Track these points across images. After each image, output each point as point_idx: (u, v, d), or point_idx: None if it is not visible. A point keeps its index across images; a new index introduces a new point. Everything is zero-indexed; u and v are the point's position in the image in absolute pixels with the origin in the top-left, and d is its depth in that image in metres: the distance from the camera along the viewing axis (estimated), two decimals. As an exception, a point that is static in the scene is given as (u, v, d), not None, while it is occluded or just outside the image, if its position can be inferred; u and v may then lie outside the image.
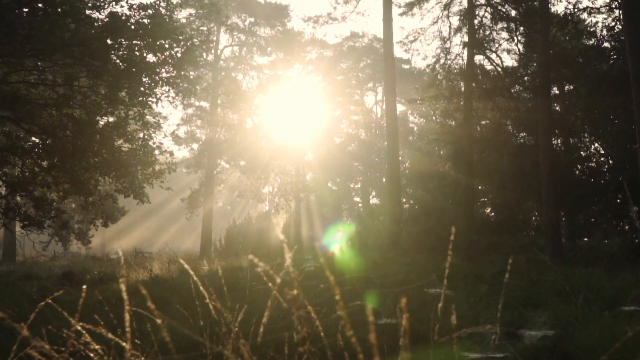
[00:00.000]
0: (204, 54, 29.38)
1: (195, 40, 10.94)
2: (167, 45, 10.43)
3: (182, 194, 32.60)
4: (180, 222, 42.22)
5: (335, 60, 35.08)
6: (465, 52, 19.98)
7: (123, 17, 10.02)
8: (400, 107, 37.74)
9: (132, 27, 9.97)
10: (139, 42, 10.22)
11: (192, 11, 21.82)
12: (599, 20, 22.75)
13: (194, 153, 33.52)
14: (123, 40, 10.06)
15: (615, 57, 19.27)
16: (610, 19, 19.37)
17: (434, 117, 24.76)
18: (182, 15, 21.69)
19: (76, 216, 25.32)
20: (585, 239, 22.34)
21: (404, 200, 31.50)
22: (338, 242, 21.50)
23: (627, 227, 18.83)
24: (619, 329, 3.68)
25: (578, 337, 3.60)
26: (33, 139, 12.44)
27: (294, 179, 31.50)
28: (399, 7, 22.09)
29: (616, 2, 17.70)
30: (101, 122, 11.56)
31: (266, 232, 26.72)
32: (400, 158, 33.74)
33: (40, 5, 8.95)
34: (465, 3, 20.51)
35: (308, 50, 32.80)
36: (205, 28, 24.27)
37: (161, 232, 50.13)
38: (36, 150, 11.42)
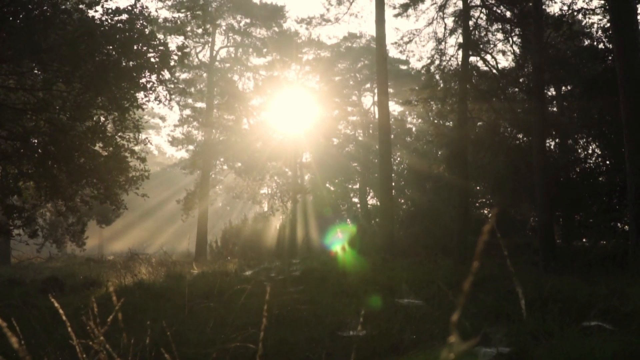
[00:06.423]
0: (195, 57, 29.38)
1: (170, 45, 10.87)
2: (142, 50, 10.35)
3: (180, 194, 32.50)
4: (178, 223, 42.21)
5: (333, 61, 34.91)
6: (460, 53, 19.85)
7: (97, 22, 9.93)
8: (398, 108, 37.62)
9: (106, 31, 9.83)
10: (112, 48, 10.12)
11: (169, 15, 21.69)
12: (595, 21, 22.56)
13: (191, 154, 33.46)
14: (96, 45, 9.93)
15: (610, 58, 19.11)
16: (605, 20, 19.23)
17: (430, 118, 24.65)
18: (164, 15, 21.59)
19: (70, 218, 25.27)
20: (584, 240, 22.21)
21: (402, 201, 31.39)
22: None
23: (619, 229, 18.68)
24: (577, 347, 3.59)
25: (533, 356, 3.51)
26: (10, 143, 12.30)
27: (291, 180, 31.42)
28: (394, 8, 21.98)
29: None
30: (79, 128, 11.42)
31: (261, 234, 26.65)
32: (398, 159, 33.69)
33: (12, 8, 8.85)
34: (460, 4, 20.38)
35: (305, 51, 32.72)
36: (200, 30, 24.19)
37: (159, 233, 50.12)
38: (17, 155, 11.30)
